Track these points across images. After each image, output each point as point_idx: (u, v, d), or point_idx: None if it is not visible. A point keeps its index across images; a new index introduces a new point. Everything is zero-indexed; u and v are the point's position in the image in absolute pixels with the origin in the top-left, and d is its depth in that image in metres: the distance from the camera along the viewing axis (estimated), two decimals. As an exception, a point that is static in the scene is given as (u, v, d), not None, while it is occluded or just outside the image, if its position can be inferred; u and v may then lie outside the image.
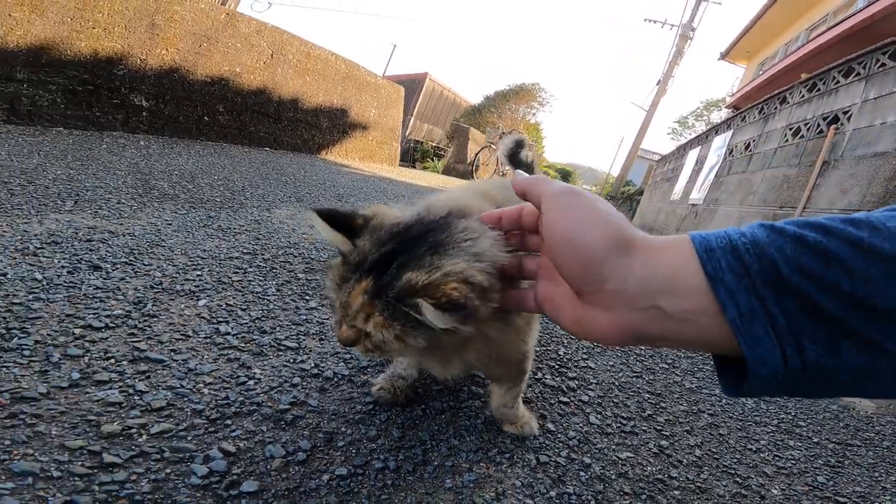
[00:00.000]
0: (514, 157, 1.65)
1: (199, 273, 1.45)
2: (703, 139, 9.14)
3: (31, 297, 1.10)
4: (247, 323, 1.23)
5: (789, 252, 0.40)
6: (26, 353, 0.90)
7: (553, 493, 0.92)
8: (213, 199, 2.45)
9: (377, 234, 0.67)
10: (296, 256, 1.84)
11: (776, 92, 6.11)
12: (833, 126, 4.45)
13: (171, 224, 1.84)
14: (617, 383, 1.50)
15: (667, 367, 1.79)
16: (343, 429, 0.92)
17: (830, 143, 4.32)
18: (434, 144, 15.08)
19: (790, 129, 5.37)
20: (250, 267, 1.61)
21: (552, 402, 1.26)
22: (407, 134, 14.19)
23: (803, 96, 5.40)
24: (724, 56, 16.66)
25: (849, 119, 4.33)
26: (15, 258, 1.28)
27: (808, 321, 0.39)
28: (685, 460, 1.17)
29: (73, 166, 2.46)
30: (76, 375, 0.86)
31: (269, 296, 1.42)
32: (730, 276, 0.41)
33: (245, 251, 1.75)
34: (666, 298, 0.43)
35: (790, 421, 1.60)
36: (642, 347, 1.91)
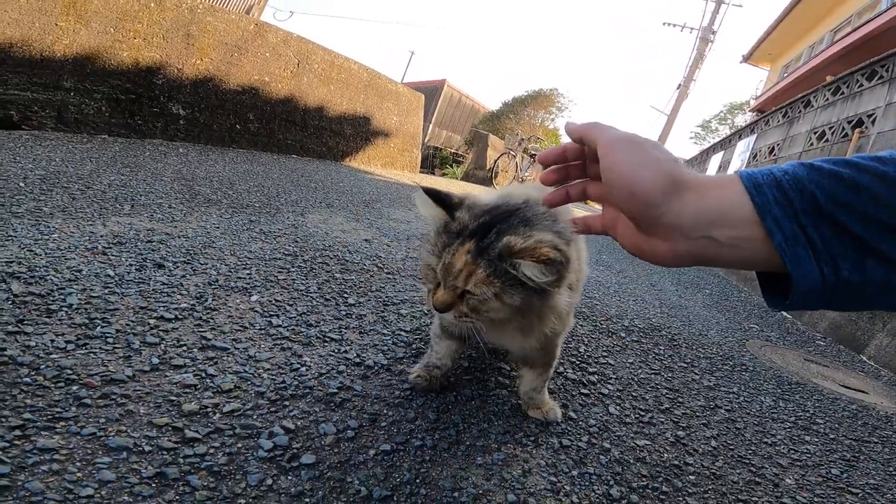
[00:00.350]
0: None
1: (249, 272, 1.58)
2: (727, 143, 9.06)
3: (106, 291, 1.23)
4: (294, 317, 1.35)
5: (826, 186, 0.47)
6: (110, 340, 1.03)
7: (575, 473, 1.01)
8: (251, 204, 2.60)
9: (473, 210, 0.83)
10: (332, 258, 1.97)
11: (800, 95, 6.06)
12: (857, 129, 4.42)
13: (218, 227, 1.98)
14: (636, 379, 1.58)
15: (685, 365, 1.86)
16: (385, 411, 1.03)
17: (855, 146, 4.30)
18: (453, 151, 15.19)
19: (815, 132, 5.33)
20: (292, 267, 1.74)
21: (573, 393, 1.35)
22: (426, 141, 14.35)
23: (828, 99, 5.36)
24: (746, 59, 16.42)
25: (873, 122, 4.31)
26: (86, 257, 1.42)
27: (841, 244, 0.46)
28: (701, 449, 1.25)
29: (123, 172, 2.63)
30: (155, 360, 0.99)
31: (311, 293, 1.54)
32: (776, 207, 0.48)
33: (286, 253, 1.88)
34: (718, 229, 0.50)
35: (807, 418, 1.65)
36: (660, 348, 1.99)
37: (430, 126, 15.46)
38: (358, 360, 1.20)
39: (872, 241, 0.46)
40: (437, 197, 0.85)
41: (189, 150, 4.43)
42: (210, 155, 4.47)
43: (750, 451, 1.32)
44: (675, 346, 2.07)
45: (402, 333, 1.41)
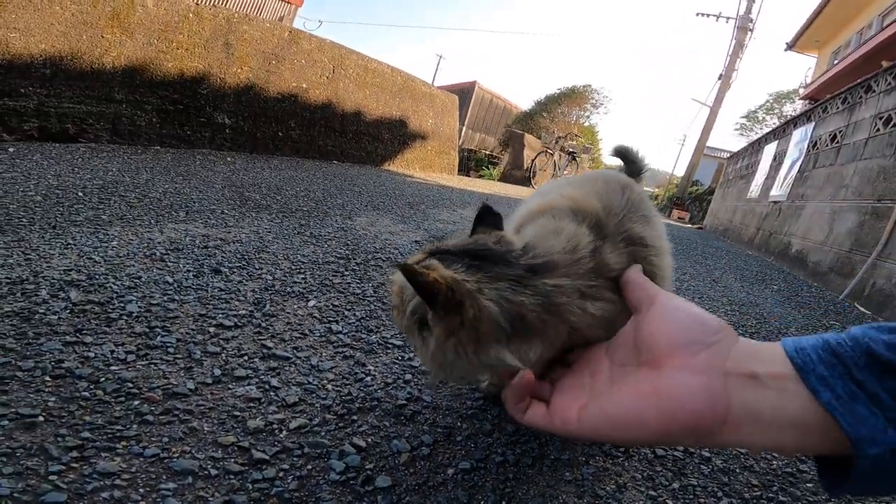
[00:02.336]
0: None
1: (304, 276, 1.53)
2: (780, 133, 8.59)
3: (165, 298, 1.20)
4: (354, 322, 1.28)
5: (886, 338, 0.40)
6: (171, 350, 0.98)
7: (676, 486, 0.90)
8: (300, 208, 2.58)
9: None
10: (384, 261, 1.90)
11: (859, 81, 5.65)
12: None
13: (270, 232, 1.95)
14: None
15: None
16: (459, 424, 0.94)
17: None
18: (487, 153, 15.05)
19: (880, 118, 4.96)
20: (346, 271, 1.68)
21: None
22: (460, 144, 14.33)
23: (889, 84, 4.97)
24: (791, 47, 15.65)
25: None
26: (145, 263, 1.40)
27: None
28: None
29: (177, 181, 2.66)
30: (217, 372, 0.93)
31: (368, 297, 1.48)
32: (821, 366, 0.41)
33: (338, 256, 1.83)
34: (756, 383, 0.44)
35: None
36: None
37: (464, 128, 15.39)
38: (424, 367, 1.12)
39: None
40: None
41: (236, 159, 4.50)
42: (256, 162, 4.53)
43: None
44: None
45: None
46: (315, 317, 1.26)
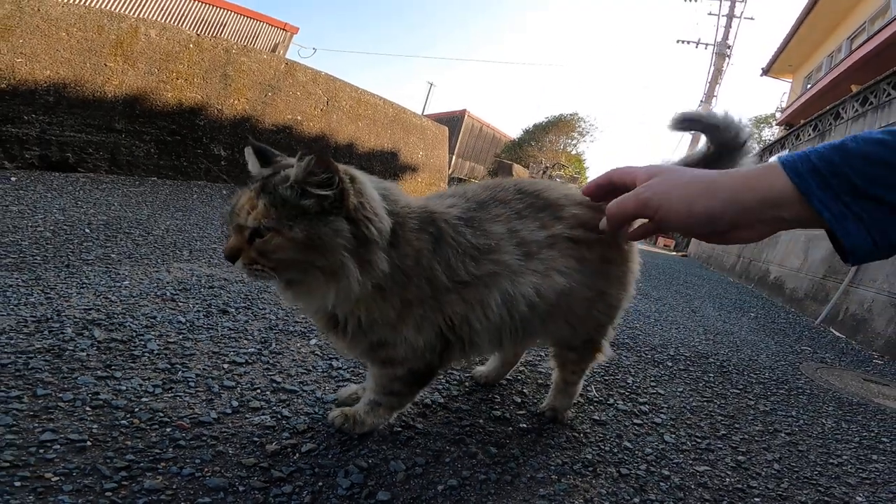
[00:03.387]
0: None
1: (304, 316, 1.66)
2: (757, 160, 8.93)
3: (181, 336, 1.32)
4: (352, 360, 1.41)
5: (857, 166, 0.55)
6: (192, 384, 1.11)
7: (637, 500, 1.03)
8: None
9: (279, 164, 0.86)
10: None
11: (829, 107, 5.98)
12: None
13: (270, 268, 2.09)
14: (688, 407, 1.58)
15: (738, 391, 1.85)
16: (447, 447, 1.07)
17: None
18: (477, 182, 15.34)
19: (850, 145, 5.24)
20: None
21: (626, 424, 1.37)
22: (449, 173, 14.53)
23: (857, 110, 5.27)
24: (766, 71, 16.23)
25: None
26: (157, 303, 1.53)
27: (884, 214, 0.55)
28: (764, 472, 1.25)
29: (177, 217, 2.79)
30: (235, 403, 1.06)
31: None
32: (819, 191, 0.57)
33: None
34: (780, 211, 0.60)
35: (873, 438, 1.63)
36: (710, 375, 1.98)
37: (454, 157, 15.65)
38: (417, 399, 1.25)
39: None
40: (259, 151, 0.88)
41: (231, 192, 4.61)
42: (251, 194, 4.66)
43: (816, 472, 1.31)
44: (726, 373, 2.05)
45: (454, 372, 1.45)
46: (317, 354, 1.40)
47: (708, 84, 19.16)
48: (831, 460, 1.40)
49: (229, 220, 0.80)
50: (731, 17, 18.72)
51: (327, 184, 0.76)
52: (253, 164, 0.88)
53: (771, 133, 20.47)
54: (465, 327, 0.95)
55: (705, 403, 1.66)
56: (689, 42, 20.55)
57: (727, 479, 1.18)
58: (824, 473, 1.31)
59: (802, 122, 6.89)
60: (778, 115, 17.81)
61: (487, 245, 0.93)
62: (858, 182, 0.55)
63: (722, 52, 18.94)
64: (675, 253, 12.83)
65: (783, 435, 1.52)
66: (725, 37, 18.98)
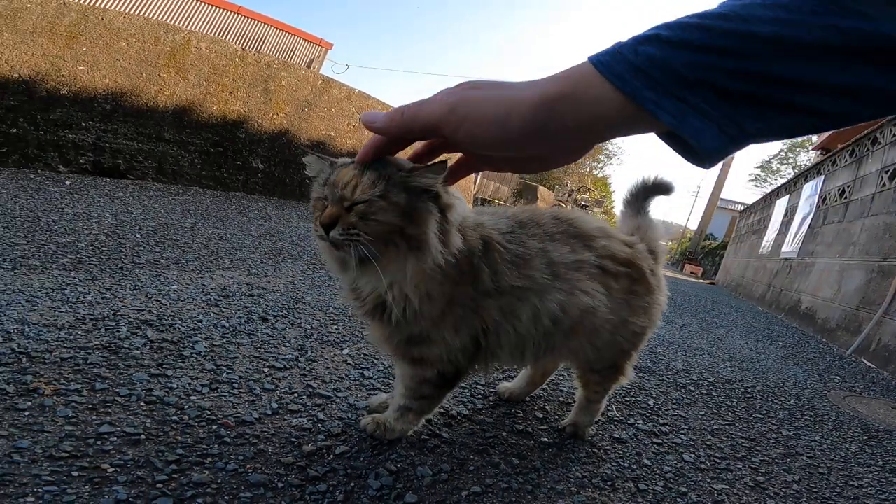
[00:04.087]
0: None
1: (336, 327, 1.74)
2: (792, 186, 8.76)
3: (224, 340, 1.42)
4: (382, 370, 1.48)
5: (682, 58, 0.47)
6: (235, 385, 1.19)
7: (653, 518, 1.06)
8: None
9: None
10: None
11: (865, 132, 5.85)
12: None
13: (304, 283, 2.19)
14: (709, 429, 1.60)
15: (761, 417, 1.85)
16: (472, 456, 1.13)
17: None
18: (501, 202, 15.38)
19: (886, 171, 5.11)
20: (373, 318, 1.89)
21: (646, 442, 1.40)
22: (474, 192, 14.57)
23: (894, 135, 5.15)
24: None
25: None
26: (203, 308, 1.63)
27: (735, 105, 0.47)
28: (782, 493, 1.27)
29: (217, 226, 2.93)
30: (275, 405, 1.14)
31: (393, 344, 1.68)
32: (647, 91, 0.48)
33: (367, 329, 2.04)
34: (606, 127, 0.52)
35: None
36: (733, 400, 1.98)
37: (478, 177, 15.71)
38: (442, 410, 1.31)
39: (762, 92, 0.47)
40: (321, 155, 0.93)
41: (266, 204, 4.79)
42: (285, 209, 4.82)
43: (835, 494, 1.32)
44: (750, 399, 2.05)
45: (479, 387, 1.51)
46: (349, 364, 1.47)
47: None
48: (851, 482, 1.41)
49: (328, 194, 0.84)
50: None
51: (429, 181, 0.83)
52: (318, 163, 0.93)
53: (807, 158, 20.01)
54: (494, 336, 1.01)
55: (727, 426, 1.67)
56: None
57: (744, 498, 1.21)
58: (843, 495, 1.32)
59: (839, 146, 6.76)
60: (814, 138, 17.45)
61: (524, 260, 0.99)
62: (687, 73, 0.47)
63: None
64: (702, 280, 12.60)
65: (804, 458, 1.53)
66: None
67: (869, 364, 3.65)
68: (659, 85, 0.48)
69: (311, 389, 1.25)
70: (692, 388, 2.01)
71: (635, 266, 1.13)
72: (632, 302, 1.12)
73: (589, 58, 0.52)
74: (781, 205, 8.79)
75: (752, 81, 0.47)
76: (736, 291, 9.86)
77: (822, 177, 6.95)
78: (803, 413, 2.01)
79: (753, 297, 8.41)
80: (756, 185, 24.98)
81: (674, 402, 1.80)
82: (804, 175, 8.11)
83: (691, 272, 16.07)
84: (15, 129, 3.80)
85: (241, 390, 1.17)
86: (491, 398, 1.45)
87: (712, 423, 1.68)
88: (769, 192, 10.73)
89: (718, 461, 1.38)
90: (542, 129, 0.53)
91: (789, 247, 7.29)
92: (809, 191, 7.28)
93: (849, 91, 0.46)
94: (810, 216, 6.84)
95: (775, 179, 21.27)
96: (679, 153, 0.53)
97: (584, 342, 1.10)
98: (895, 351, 3.57)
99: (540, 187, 13.42)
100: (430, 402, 1.10)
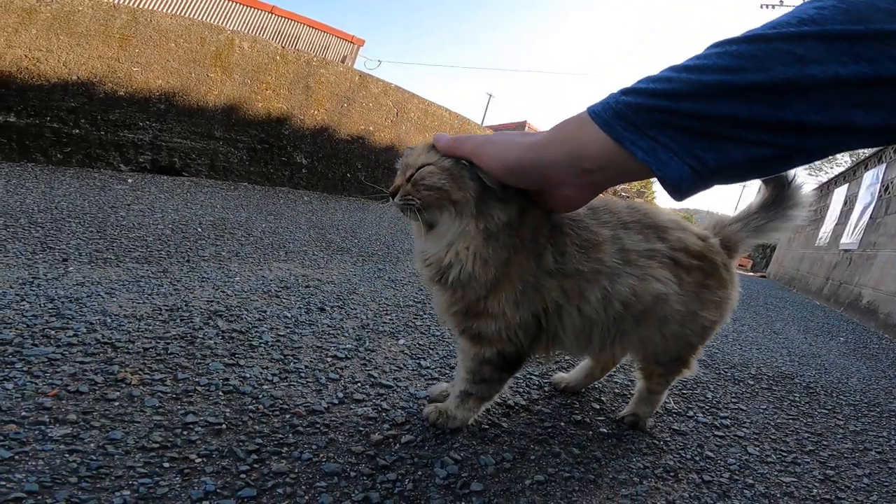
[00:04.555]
0: None
1: (390, 317, 1.78)
2: (850, 175, 8.31)
3: (288, 330, 1.47)
4: (438, 359, 1.51)
5: (651, 104, 0.59)
6: (303, 374, 1.24)
7: (720, 506, 1.05)
8: (375, 252, 2.88)
9: None
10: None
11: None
12: None
13: (355, 275, 2.24)
14: (772, 423, 1.57)
15: (826, 412, 1.79)
16: (532, 446, 1.14)
17: None
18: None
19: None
20: (424, 314, 1.92)
21: (707, 435, 1.38)
22: None
23: None
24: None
25: None
26: (265, 299, 1.70)
27: (693, 140, 0.58)
28: (853, 486, 1.24)
29: (269, 220, 3.03)
30: (340, 395, 1.18)
31: (447, 338, 1.71)
32: (627, 133, 0.61)
33: (416, 300, 2.08)
34: (590, 164, 0.67)
35: None
36: (795, 395, 1.92)
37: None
38: (499, 400, 1.33)
39: (717, 131, 0.57)
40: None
41: (311, 198, 4.90)
42: (329, 203, 4.92)
43: None
44: (813, 394, 1.99)
45: (533, 377, 1.52)
46: (406, 353, 1.51)
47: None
48: None
49: (400, 170, 1.00)
50: None
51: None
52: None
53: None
54: (556, 319, 1.02)
55: (790, 421, 1.63)
56: (772, 6, 18.43)
57: (815, 490, 1.18)
58: (917, 489, 1.28)
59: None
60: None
61: (593, 244, 1.00)
62: (658, 116, 0.58)
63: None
64: (752, 273, 12.12)
65: (873, 453, 1.48)
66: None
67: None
68: (636, 127, 0.60)
69: (372, 379, 1.29)
70: (751, 382, 1.96)
71: (708, 259, 1.11)
72: (703, 295, 1.10)
73: (587, 108, 0.67)
74: (840, 194, 8.36)
75: (703, 120, 0.57)
76: (790, 284, 9.46)
77: (885, 164, 6.57)
78: (870, 409, 1.93)
79: (810, 290, 8.05)
80: (811, 174, 23.71)
81: (733, 395, 1.76)
82: (864, 163, 7.68)
83: (740, 265, 15.51)
84: (77, 130, 4.02)
85: (308, 379, 1.22)
86: (546, 388, 1.46)
87: (775, 417, 1.64)
88: (826, 182, 10.22)
89: (785, 454, 1.35)
90: (534, 169, 0.73)
91: (849, 238, 6.93)
92: (870, 179, 6.89)
93: (788, 126, 0.54)
94: (871, 206, 6.48)
95: (831, 168, 20.19)
96: (665, 189, 0.63)
97: (654, 331, 1.10)
98: (968, 346, 3.36)
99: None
100: (490, 387, 1.11)
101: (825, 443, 1.49)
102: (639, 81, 0.63)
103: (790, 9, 0.56)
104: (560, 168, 0.69)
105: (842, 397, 2.03)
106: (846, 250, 6.95)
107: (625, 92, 0.63)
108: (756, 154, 0.57)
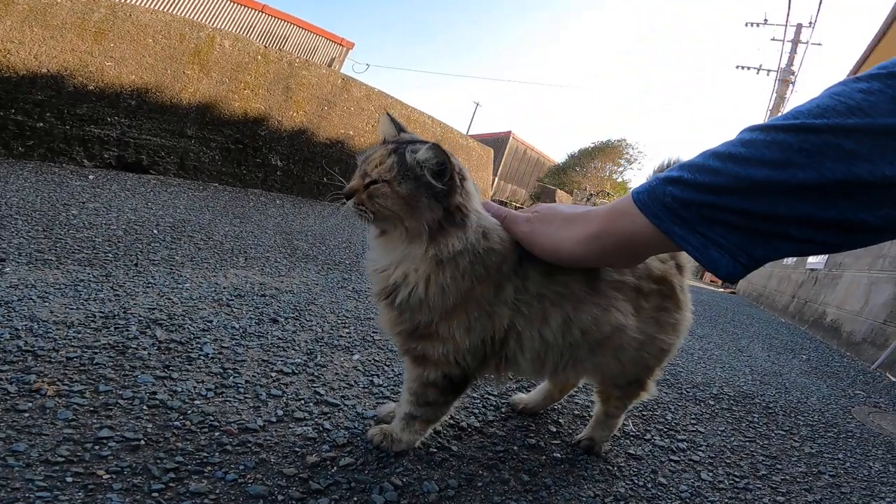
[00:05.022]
0: None
1: (348, 331, 1.71)
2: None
3: (233, 342, 1.40)
4: (392, 377, 1.45)
5: (700, 199, 0.61)
6: (241, 390, 1.17)
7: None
8: (342, 261, 2.80)
9: (410, 135, 1.03)
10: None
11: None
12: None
13: (317, 284, 2.17)
14: (728, 446, 1.54)
15: (783, 433, 1.78)
16: (480, 471, 1.09)
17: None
18: (517, 206, 15.30)
19: (923, 185, 4.94)
20: (385, 323, 1.86)
21: (662, 459, 1.34)
22: (491, 195, 14.47)
23: None
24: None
25: None
26: (214, 308, 1.61)
27: (743, 236, 0.60)
28: None
29: (234, 223, 2.93)
30: (280, 412, 1.11)
31: (404, 350, 1.65)
32: (676, 228, 0.63)
33: (377, 313, 2.01)
34: (637, 249, 0.72)
35: None
36: (754, 416, 1.91)
37: (496, 179, 15.63)
38: (452, 422, 1.27)
39: (762, 227, 0.58)
40: (393, 119, 1.05)
41: (284, 202, 4.80)
42: (302, 207, 4.82)
43: None
44: (772, 414, 1.98)
45: (491, 398, 1.46)
46: (359, 370, 1.44)
47: (769, 112, 18.46)
48: (873, 502, 1.36)
49: (359, 166, 0.95)
50: (796, 42, 18.04)
51: (441, 174, 0.88)
52: (388, 128, 1.04)
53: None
54: (513, 343, 0.98)
55: (747, 443, 1.60)
56: (749, 68, 19.83)
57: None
58: (866, 516, 1.26)
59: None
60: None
61: (563, 272, 0.95)
62: (706, 212, 0.60)
63: (786, 78, 18.26)
64: (723, 290, 12.33)
65: (827, 476, 1.47)
66: (790, 63, 18.30)
67: (895, 379, 3.52)
68: (685, 222, 0.62)
69: (318, 396, 1.22)
70: (712, 403, 1.95)
71: (667, 282, 1.08)
72: (661, 318, 1.07)
73: (631, 193, 0.70)
74: (808, 213, 8.55)
75: (751, 218, 0.58)
76: (758, 301, 9.63)
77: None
78: (827, 430, 1.93)
79: (776, 307, 8.20)
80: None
81: (692, 416, 1.74)
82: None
83: (711, 280, 15.75)
84: (42, 124, 3.86)
85: (246, 395, 1.15)
86: (503, 409, 1.41)
87: (732, 439, 1.61)
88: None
89: (737, 480, 1.32)
90: (587, 258, 0.79)
91: (816, 258, 7.09)
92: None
93: (833, 224, 0.55)
94: (838, 226, 6.63)
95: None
96: (702, 265, 0.67)
97: (609, 359, 1.06)
98: (924, 368, 3.44)
99: (558, 191, 13.29)
100: (435, 410, 1.06)
101: (779, 466, 1.47)
102: (681, 167, 0.64)
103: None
104: (610, 256, 0.75)
105: (800, 417, 2.02)
106: (812, 269, 7.10)
107: (670, 181, 0.64)
108: (801, 249, 0.59)
